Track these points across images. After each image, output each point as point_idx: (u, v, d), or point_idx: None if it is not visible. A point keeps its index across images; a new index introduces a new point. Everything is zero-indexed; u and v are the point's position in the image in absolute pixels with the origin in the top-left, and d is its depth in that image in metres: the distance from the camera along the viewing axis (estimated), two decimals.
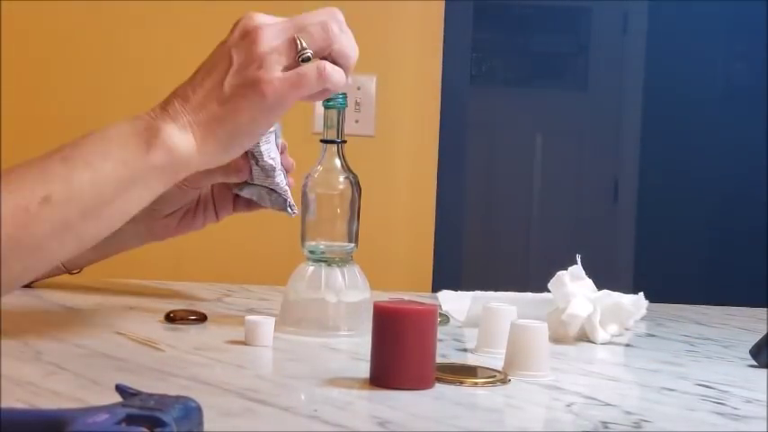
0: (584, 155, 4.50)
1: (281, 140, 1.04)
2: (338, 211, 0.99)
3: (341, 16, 0.90)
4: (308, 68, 0.84)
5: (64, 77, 2.16)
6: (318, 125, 2.18)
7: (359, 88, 2.17)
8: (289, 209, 1.04)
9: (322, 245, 0.99)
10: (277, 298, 1.16)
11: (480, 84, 4.27)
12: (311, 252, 0.99)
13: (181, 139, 0.83)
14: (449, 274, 2.28)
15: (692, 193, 4.33)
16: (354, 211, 0.99)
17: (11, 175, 0.80)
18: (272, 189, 1.03)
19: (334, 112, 0.99)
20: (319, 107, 2.24)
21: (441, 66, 2.23)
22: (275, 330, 0.93)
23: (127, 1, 2.14)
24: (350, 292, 0.98)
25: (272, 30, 0.85)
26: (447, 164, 2.27)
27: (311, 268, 0.98)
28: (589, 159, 4.50)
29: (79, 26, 2.15)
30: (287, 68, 0.84)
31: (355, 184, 0.99)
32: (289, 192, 1.04)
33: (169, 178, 0.84)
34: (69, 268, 1.15)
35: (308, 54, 0.85)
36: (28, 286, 1.14)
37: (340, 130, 1.00)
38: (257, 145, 0.99)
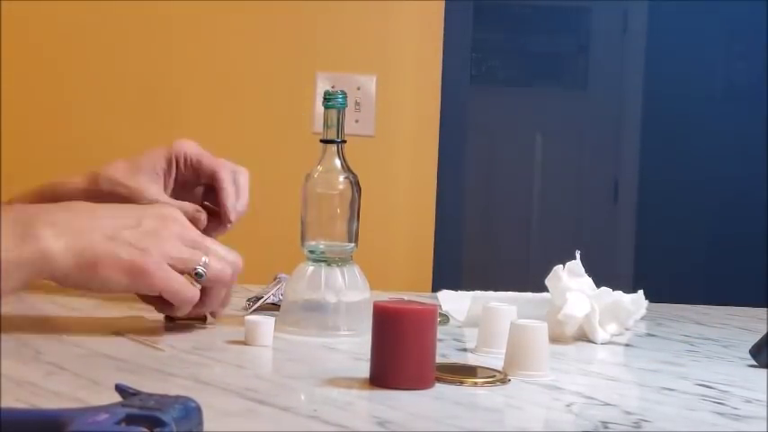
0: (584, 155, 4.50)
1: None
2: (338, 211, 0.99)
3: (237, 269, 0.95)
4: (192, 289, 0.90)
5: (64, 77, 2.16)
6: (318, 125, 2.18)
7: (359, 88, 2.17)
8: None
9: (322, 245, 0.99)
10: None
11: (480, 84, 4.27)
12: (311, 252, 0.99)
13: (57, 245, 0.84)
14: (449, 274, 2.28)
15: (692, 193, 4.33)
16: (354, 211, 0.99)
17: None
18: None
19: (333, 112, 0.99)
20: (319, 107, 2.24)
21: (441, 66, 2.23)
22: (275, 330, 0.93)
23: (127, 1, 2.14)
24: (350, 292, 0.98)
25: (186, 230, 0.91)
26: (447, 164, 2.27)
27: (311, 268, 0.98)
28: (589, 159, 4.50)
29: (79, 26, 2.15)
30: (176, 269, 0.88)
31: (355, 184, 0.99)
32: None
33: (32, 276, 0.85)
34: None
35: (201, 274, 0.90)
36: None
37: (340, 130, 0.99)
38: None
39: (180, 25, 2.17)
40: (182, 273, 0.89)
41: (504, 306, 0.95)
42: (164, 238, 0.88)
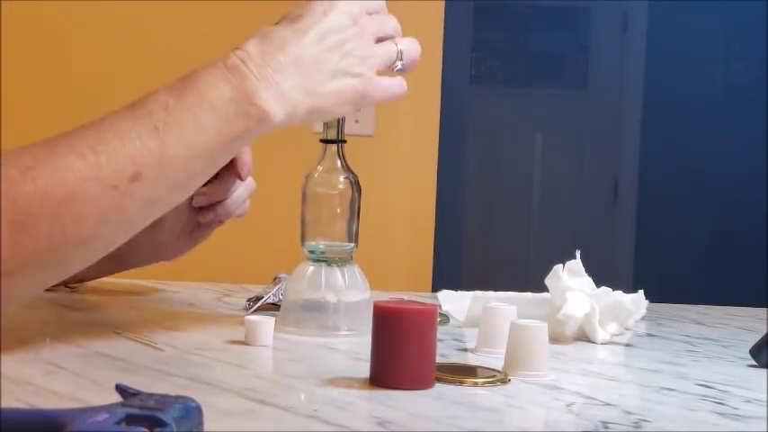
0: (584, 155, 4.50)
1: None
2: (338, 210, 0.99)
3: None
4: (399, 83, 0.93)
5: (64, 77, 2.16)
6: (318, 125, 2.18)
7: None
8: None
9: (322, 245, 0.99)
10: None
11: (480, 84, 4.27)
12: (311, 252, 0.99)
13: (279, 109, 0.84)
14: (449, 274, 2.28)
15: (692, 192, 4.33)
16: (354, 211, 0.99)
17: (98, 147, 0.77)
18: None
19: None
20: None
21: (441, 66, 2.23)
22: (276, 330, 0.93)
23: (127, 1, 2.14)
24: (350, 292, 0.98)
25: (374, 25, 0.91)
26: (447, 164, 2.27)
27: (311, 268, 0.98)
28: (589, 159, 4.50)
29: (79, 26, 2.15)
30: (379, 71, 0.91)
31: (355, 184, 0.99)
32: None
33: (252, 139, 0.85)
34: (69, 282, 1.13)
35: (402, 68, 0.93)
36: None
37: (340, 130, 1.00)
38: None
39: (180, 25, 2.17)
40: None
41: (504, 306, 0.95)
42: (366, 50, 0.89)
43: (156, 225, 1.00)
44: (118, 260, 1.02)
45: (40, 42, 2.14)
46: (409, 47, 0.94)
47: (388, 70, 0.92)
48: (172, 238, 1.07)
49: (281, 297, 1.06)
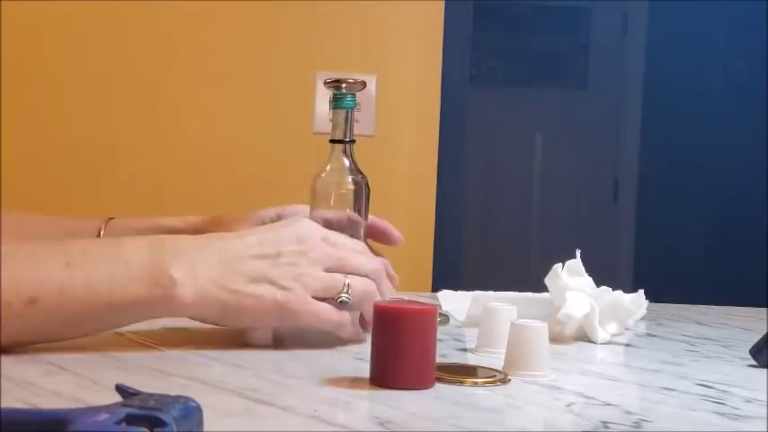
0: (584, 155, 4.50)
1: None
2: (347, 210, 0.98)
3: (388, 271, 0.95)
4: (338, 313, 0.88)
5: (64, 77, 2.16)
6: (318, 125, 2.18)
7: None
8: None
9: None
10: None
11: (480, 84, 4.27)
12: None
13: (188, 293, 0.84)
14: (449, 274, 2.28)
15: (692, 193, 4.33)
16: (362, 211, 0.99)
17: (8, 261, 0.80)
18: None
19: (342, 112, 0.99)
20: (319, 107, 2.25)
21: (441, 66, 2.23)
22: (280, 330, 0.93)
23: (127, 1, 2.14)
24: None
25: (325, 252, 0.89)
26: (447, 164, 2.27)
27: None
28: (589, 159, 4.50)
29: (79, 26, 2.15)
30: (318, 297, 0.88)
31: (364, 184, 0.99)
32: None
33: (157, 315, 0.85)
34: None
35: (345, 300, 0.88)
36: None
37: (348, 130, 0.99)
38: None
39: (180, 25, 2.17)
40: (326, 300, 0.88)
41: (505, 306, 0.95)
42: (304, 269, 0.87)
43: None
44: None
45: (40, 42, 2.14)
46: (360, 285, 0.89)
47: (331, 301, 0.88)
48: None
49: None
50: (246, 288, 0.85)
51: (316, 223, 0.92)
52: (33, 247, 0.84)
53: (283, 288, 0.86)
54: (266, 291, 0.86)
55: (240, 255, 0.86)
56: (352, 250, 0.91)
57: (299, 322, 0.87)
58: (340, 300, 0.88)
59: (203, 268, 0.84)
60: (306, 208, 1.02)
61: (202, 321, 0.87)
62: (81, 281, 0.81)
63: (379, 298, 0.90)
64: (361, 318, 0.91)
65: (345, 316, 0.89)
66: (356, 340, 0.92)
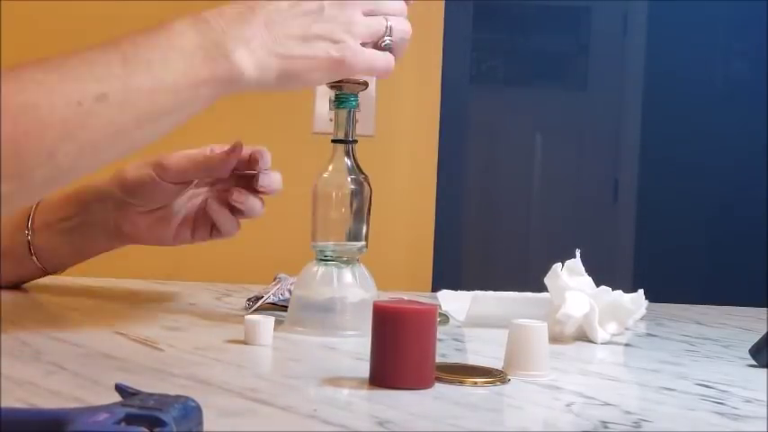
0: (584, 155, 4.50)
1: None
2: (349, 210, 0.99)
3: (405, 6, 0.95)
4: (385, 57, 0.90)
5: None
6: (318, 125, 2.18)
7: None
8: None
9: (332, 245, 0.98)
10: None
11: (480, 83, 4.27)
12: (321, 252, 0.98)
13: (248, 64, 0.83)
14: (449, 273, 2.29)
15: (692, 192, 4.33)
16: (364, 211, 0.99)
17: (64, 67, 0.78)
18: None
19: (344, 112, 0.99)
20: (319, 107, 2.25)
21: (441, 66, 2.23)
22: (283, 330, 0.93)
23: (128, 1, 2.14)
24: (358, 292, 0.98)
25: (372, 1, 0.89)
26: (447, 164, 2.27)
27: (321, 268, 0.98)
28: (589, 159, 4.50)
29: (79, 26, 2.15)
30: (365, 43, 0.88)
31: (366, 184, 0.99)
32: None
33: (221, 93, 0.84)
34: (50, 270, 1.14)
35: (389, 43, 0.90)
36: (15, 288, 1.14)
37: (350, 130, 0.99)
38: None
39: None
40: (371, 45, 0.89)
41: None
42: (350, 19, 0.87)
43: (122, 203, 1.04)
44: (81, 248, 1.07)
45: (40, 42, 2.14)
46: (400, 25, 0.91)
47: (376, 44, 0.90)
48: (136, 220, 1.07)
49: (281, 297, 1.06)
50: (301, 50, 0.85)
51: None
52: (81, 51, 0.80)
53: (335, 42, 0.86)
54: (320, 49, 0.86)
55: (285, 17, 0.85)
56: None
57: (352, 73, 0.89)
58: (384, 44, 0.90)
59: (255, 39, 0.83)
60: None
61: (262, 90, 0.87)
62: (141, 72, 0.79)
63: (409, 32, 0.93)
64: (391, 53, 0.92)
65: (390, 59, 0.91)
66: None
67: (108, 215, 1.06)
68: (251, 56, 0.83)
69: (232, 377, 0.78)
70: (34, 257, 1.10)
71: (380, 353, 0.76)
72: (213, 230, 1.07)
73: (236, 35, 0.83)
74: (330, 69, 0.87)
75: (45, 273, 1.13)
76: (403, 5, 0.93)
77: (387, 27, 0.90)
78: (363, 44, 0.88)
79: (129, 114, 0.79)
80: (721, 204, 4.32)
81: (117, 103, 0.78)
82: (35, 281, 1.15)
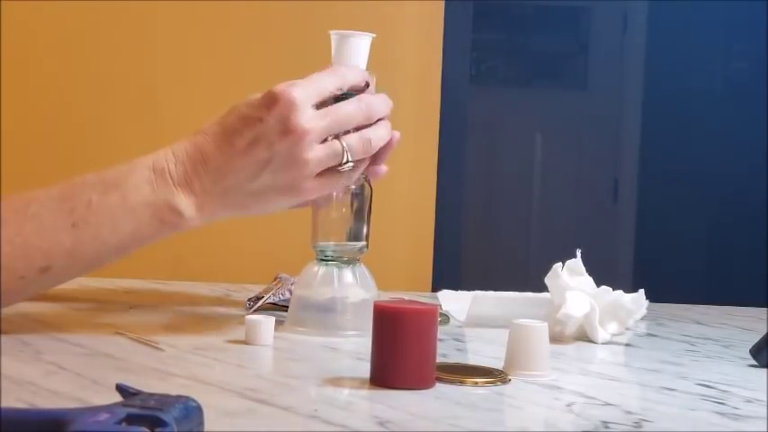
0: (584, 155, 4.50)
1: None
2: (350, 210, 0.99)
3: (385, 104, 0.94)
4: (345, 178, 0.90)
5: (64, 77, 2.16)
6: None
7: None
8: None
9: (332, 245, 0.98)
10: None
11: (480, 83, 4.27)
12: (321, 252, 0.98)
13: (195, 219, 0.86)
14: (449, 274, 2.28)
15: (692, 192, 4.33)
16: (365, 211, 0.99)
17: (18, 238, 0.82)
18: None
19: None
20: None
21: (441, 66, 2.23)
22: (283, 330, 0.92)
23: (128, 1, 2.14)
24: (359, 292, 0.98)
25: (318, 131, 0.87)
26: (447, 164, 2.27)
27: (322, 268, 0.98)
28: (589, 159, 4.50)
29: (79, 26, 2.15)
30: (323, 171, 0.88)
31: (366, 185, 0.99)
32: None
33: (167, 236, 0.88)
34: None
35: (350, 165, 0.89)
36: None
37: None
38: None
39: (180, 24, 2.17)
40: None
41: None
42: (302, 160, 0.86)
43: None
44: None
45: (40, 42, 2.14)
46: (357, 145, 0.89)
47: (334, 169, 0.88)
48: None
49: (281, 296, 1.06)
50: (251, 201, 0.87)
51: (302, 91, 0.87)
52: (38, 207, 0.84)
53: (287, 188, 0.87)
54: (271, 197, 0.87)
55: (235, 169, 0.86)
56: (342, 107, 0.89)
57: (310, 200, 0.91)
58: (343, 169, 0.89)
59: (205, 194, 0.85)
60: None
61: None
62: (89, 240, 0.83)
63: (374, 144, 0.91)
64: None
65: (353, 176, 0.91)
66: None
67: None
68: (199, 211, 0.86)
69: (232, 377, 0.78)
70: None
71: (381, 353, 0.76)
72: None
73: (187, 190, 0.85)
74: (284, 207, 0.90)
75: None
76: (364, 112, 0.90)
77: (344, 152, 0.88)
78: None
79: (69, 276, 0.86)
80: (721, 204, 4.32)
81: (59, 271, 0.84)
82: None
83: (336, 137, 0.89)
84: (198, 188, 0.86)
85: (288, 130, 0.85)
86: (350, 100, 0.91)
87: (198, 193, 0.85)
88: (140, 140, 2.16)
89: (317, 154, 0.87)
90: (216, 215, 0.87)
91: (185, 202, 0.85)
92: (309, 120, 0.86)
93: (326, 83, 0.89)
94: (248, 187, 0.87)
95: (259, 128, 0.86)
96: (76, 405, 0.59)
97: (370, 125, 0.92)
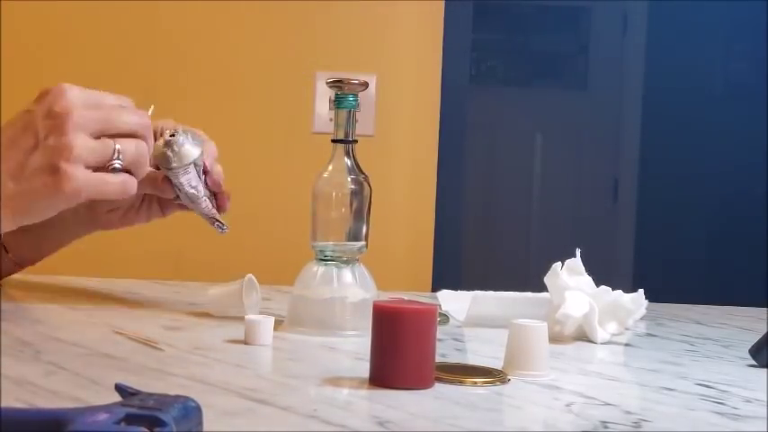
0: (584, 155, 4.50)
1: (202, 163, 1.02)
2: (348, 210, 0.99)
3: (146, 117, 0.91)
4: (114, 179, 0.86)
5: (64, 77, 2.16)
6: (318, 125, 2.18)
7: None
8: (217, 228, 1.04)
9: (331, 244, 0.98)
10: (278, 297, 1.16)
11: (480, 83, 4.27)
12: (321, 251, 0.98)
13: None
14: (448, 273, 2.28)
15: (692, 192, 4.33)
16: (364, 211, 0.99)
17: None
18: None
19: (344, 113, 0.99)
20: (319, 107, 2.25)
21: (441, 66, 2.23)
22: (284, 331, 0.92)
23: (127, 1, 2.14)
24: (359, 292, 0.98)
25: (85, 118, 0.84)
26: (447, 164, 2.27)
27: (321, 268, 0.98)
28: (589, 159, 4.50)
29: (79, 26, 2.15)
30: (91, 167, 0.85)
31: (366, 184, 0.99)
32: (216, 213, 1.04)
33: None
34: (21, 263, 1.14)
35: (118, 167, 0.86)
36: None
37: (350, 130, 0.99)
38: (176, 176, 1.00)
39: (180, 25, 2.17)
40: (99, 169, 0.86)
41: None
42: (69, 144, 0.83)
43: (90, 207, 1.05)
44: (56, 236, 1.09)
45: (40, 42, 2.14)
46: (131, 149, 0.87)
47: (103, 167, 0.86)
48: (109, 217, 1.09)
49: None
50: (17, 187, 0.83)
51: (77, 87, 0.86)
52: None
53: (52, 172, 0.83)
54: (36, 181, 0.83)
55: (4, 160, 0.83)
56: (117, 107, 0.88)
57: (79, 198, 0.85)
58: (112, 167, 0.86)
59: None
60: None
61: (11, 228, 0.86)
62: None
63: (145, 152, 0.89)
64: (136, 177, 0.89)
65: (126, 180, 0.87)
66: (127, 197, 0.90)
67: (80, 216, 1.08)
68: None
69: (232, 377, 0.78)
70: (9, 253, 1.11)
71: (380, 353, 0.76)
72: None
73: None
74: (51, 198, 0.84)
75: (20, 266, 1.13)
76: (141, 121, 0.89)
77: (114, 150, 0.86)
78: (96, 169, 0.85)
79: None
80: (721, 204, 4.32)
81: None
82: (35, 281, 1.15)
83: (112, 138, 0.87)
84: None
85: (52, 113, 0.84)
86: (125, 105, 0.90)
87: None
88: None
89: (84, 142, 0.84)
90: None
91: None
92: (75, 105, 0.84)
93: (105, 95, 0.89)
94: (14, 171, 0.83)
95: (26, 117, 0.85)
96: (76, 405, 0.59)
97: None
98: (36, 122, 0.84)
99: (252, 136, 2.17)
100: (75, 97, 0.85)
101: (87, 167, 0.84)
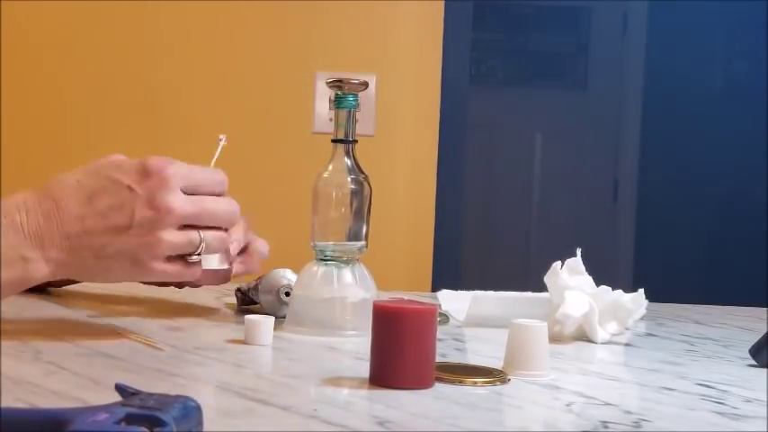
0: (584, 155, 4.50)
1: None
2: (349, 210, 0.99)
3: (237, 208, 0.92)
4: (188, 272, 0.88)
5: (64, 77, 2.16)
6: (318, 125, 2.18)
7: None
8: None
9: (332, 244, 0.98)
10: None
11: (480, 83, 4.27)
12: (321, 251, 0.98)
13: (43, 271, 0.84)
14: (448, 273, 2.28)
15: (692, 192, 4.33)
16: (364, 211, 0.99)
17: None
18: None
19: (344, 112, 0.99)
20: (319, 107, 2.25)
21: (440, 66, 2.23)
22: (283, 330, 0.92)
23: (127, 1, 2.14)
24: (359, 292, 0.98)
25: (182, 216, 0.86)
26: (447, 164, 2.27)
27: (321, 268, 0.98)
28: (589, 159, 4.50)
29: (79, 26, 2.15)
30: (173, 257, 0.87)
31: (366, 184, 0.99)
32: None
33: (20, 290, 0.86)
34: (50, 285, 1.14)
35: (197, 260, 0.88)
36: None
37: (350, 130, 0.99)
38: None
39: (180, 25, 2.17)
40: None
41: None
42: (157, 239, 0.84)
43: None
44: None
45: (40, 42, 2.14)
46: (215, 244, 0.88)
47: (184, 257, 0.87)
48: None
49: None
50: (96, 266, 0.85)
51: (180, 173, 0.86)
52: None
53: (134, 264, 0.85)
54: (115, 267, 0.85)
55: (89, 227, 0.84)
56: (213, 201, 0.89)
57: (149, 279, 0.88)
58: (191, 260, 0.87)
59: (53, 249, 0.83)
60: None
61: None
62: None
63: (229, 248, 0.92)
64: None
65: (194, 272, 0.88)
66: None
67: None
68: (47, 264, 0.83)
69: (232, 377, 0.78)
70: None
71: (380, 353, 0.76)
72: None
73: (38, 242, 0.83)
74: (120, 280, 0.87)
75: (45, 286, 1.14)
76: (231, 219, 0.90)
77: (199, 245, 0.87)
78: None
79: None
80: (721, 204, 4.32)
81: None
82: None
83: (196, 228, 0.87)
84: (47, 242, 0.83)
85: (154, 204, 0.84)
86: (220, 198, 0.90)
87: (47, 247, 0.83)
88: (140, 140, 2.16)
89: (173, 237, 0.85)
90: (61, 271, 0.84)
91: (36, 258, 0.83)
92: (176, 201, 0.85)
93: (201, 176, 0.89)
94: (97, 250, 0.84)
95: (125, 195, 0.85)
96: (76, 405, 0.59)
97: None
98: (135, 206, 0.84)
99: (252, 136, 2.17)
100: (176, 188, 0.85)
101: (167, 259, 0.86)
